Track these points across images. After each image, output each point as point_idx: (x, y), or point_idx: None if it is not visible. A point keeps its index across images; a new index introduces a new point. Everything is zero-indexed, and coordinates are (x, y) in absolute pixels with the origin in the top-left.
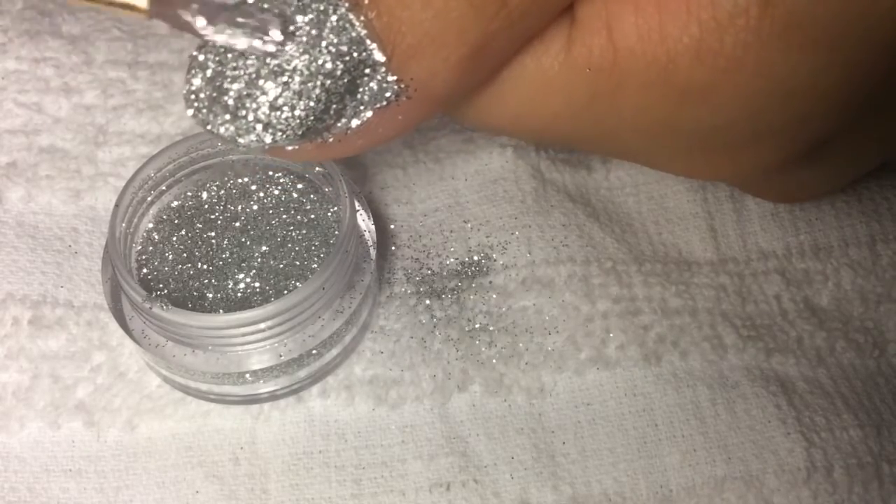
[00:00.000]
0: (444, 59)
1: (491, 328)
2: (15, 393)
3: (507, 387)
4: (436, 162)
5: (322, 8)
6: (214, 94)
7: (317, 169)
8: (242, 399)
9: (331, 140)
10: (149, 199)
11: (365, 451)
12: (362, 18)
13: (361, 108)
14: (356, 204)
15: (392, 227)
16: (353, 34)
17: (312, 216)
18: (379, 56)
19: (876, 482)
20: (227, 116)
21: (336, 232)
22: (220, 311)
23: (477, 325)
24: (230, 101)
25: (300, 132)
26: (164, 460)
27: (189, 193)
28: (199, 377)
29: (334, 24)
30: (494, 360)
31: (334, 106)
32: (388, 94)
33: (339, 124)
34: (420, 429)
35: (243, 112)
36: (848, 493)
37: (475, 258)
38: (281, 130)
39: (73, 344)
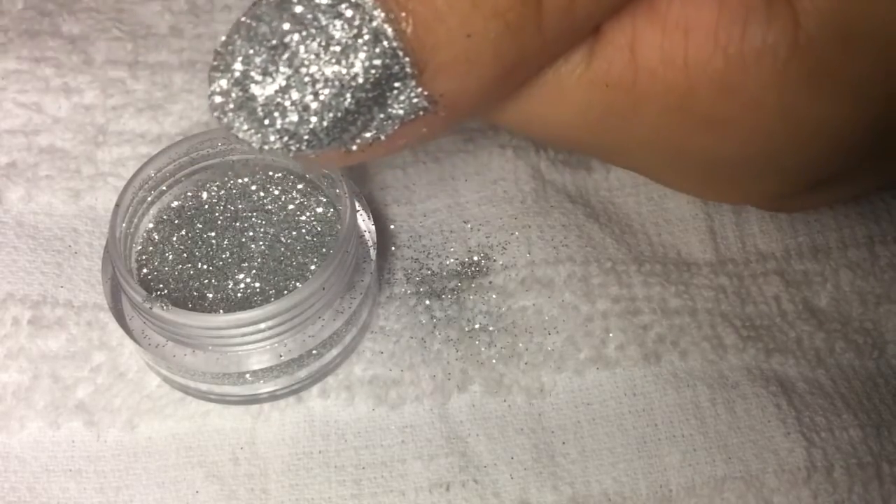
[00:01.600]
0: (477, 77)
1: (491, 328)
2: (15, 393)
3: (506, 387)
4: (435, 162)
5: (357, 18)
6: (241, 98)
7: (319, 171)
8: (242, 399)
9: (354, 149)
10: (149, 199)
11: (365, 451)
12: (397, 30)
13: (389, 121)
14: (356, 204)
15: (392, 227)
16: (387, 46)
17: (313, 217)
18: (411, 70)
19: (876, 482)
20: (254, 123)
21: (336, 232)
22: (221, 311)
23: (477, 326)
24: (258, 108)
25: (326, 142)
26: (164, 460)
27: (189, 193)
28: (199, 377)
29: (368, 35)
30: (494, 361)
31: (362, 117)
32: (417, 108)
33: (365, 135)
34: (420, 429)
35: (270, 120)
36: (848, 493)
37: (475, 258)
38: (307, 140)
39: (73, 344)
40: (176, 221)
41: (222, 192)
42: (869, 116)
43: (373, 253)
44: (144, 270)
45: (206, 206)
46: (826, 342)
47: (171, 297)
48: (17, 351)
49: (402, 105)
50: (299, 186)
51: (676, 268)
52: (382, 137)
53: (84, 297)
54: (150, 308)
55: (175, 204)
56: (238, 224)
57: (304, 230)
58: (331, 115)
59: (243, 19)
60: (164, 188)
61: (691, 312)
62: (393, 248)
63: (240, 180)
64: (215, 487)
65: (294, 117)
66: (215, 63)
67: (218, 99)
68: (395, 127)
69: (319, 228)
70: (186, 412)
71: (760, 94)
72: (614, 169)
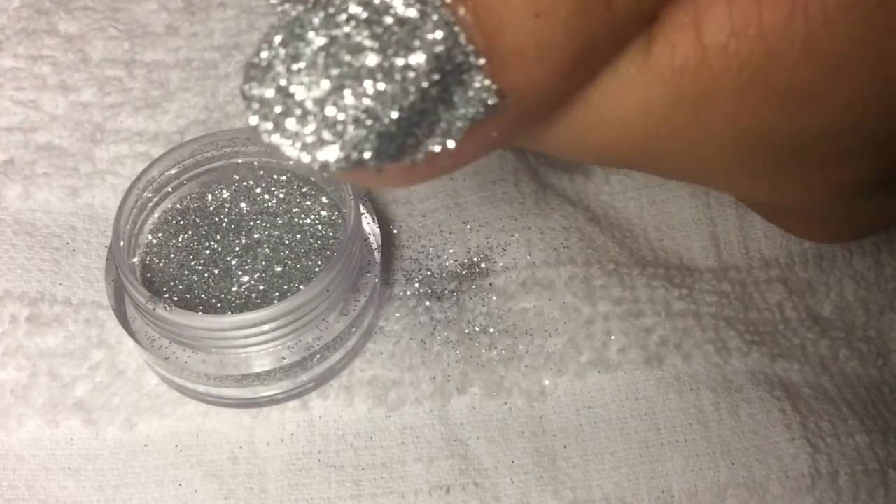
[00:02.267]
0: (549, 65)
1: (491, 330)
2: (13, 391)
3: (507, 389)
4: None
5: (416, 5)
6: (284, 106)
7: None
8: (243, 402)
9: (421, 158)
10: (153, 201)
11: (364, 452)
12: (458, 15)
13: (457, 122)
14: (361, 207)
15: (391, 227)
16: (447, 31)
17: (317, 219)
18: (475, 58)
19: (882, 489)
20: (298, 131)
21: (341, 235)
22: (224, 312)
23: (477, 328)
24: (303, 114)
25: (390, 150)
26: (162, 459)
27: (193, 195)
28: (201, 379)
29: (426, 21)
30: (494, 363)
31: (427, 119)
32: (486, 104)
33: (432, 142)
34: (420, 431)
35: (317, 126)
36: (853, 500)
37: (475, 259)
38: (367, 148)
39: (71, 341)
40: (180, 223)
41: (227, 194)
42: None
43: (377, 256)
44: (148, 273)
45: (211, 209)
46: (830, 350)
47: (175, 299)
48: (15, 348)
49: (470, 101)
50: (304, 189)
51: (679, 272)
52: (451, 145)
53: (82, 295)
54: (154, 309)
55: (179, 206)
56: (242, 226)
57: (308, 233)
58: (393, 114)
59: (282, 22)
60: (169, 190)
61: (695, 315)
62: (392, 249)
63: (244, 183)
64: (214, 486)
65: (349, 121)
66: (251, 69)
67: (257, 105)
68: (464, 129)
69: (324, 231)
70: (185, 411)
71: (850, 53)
72: (614, 173)
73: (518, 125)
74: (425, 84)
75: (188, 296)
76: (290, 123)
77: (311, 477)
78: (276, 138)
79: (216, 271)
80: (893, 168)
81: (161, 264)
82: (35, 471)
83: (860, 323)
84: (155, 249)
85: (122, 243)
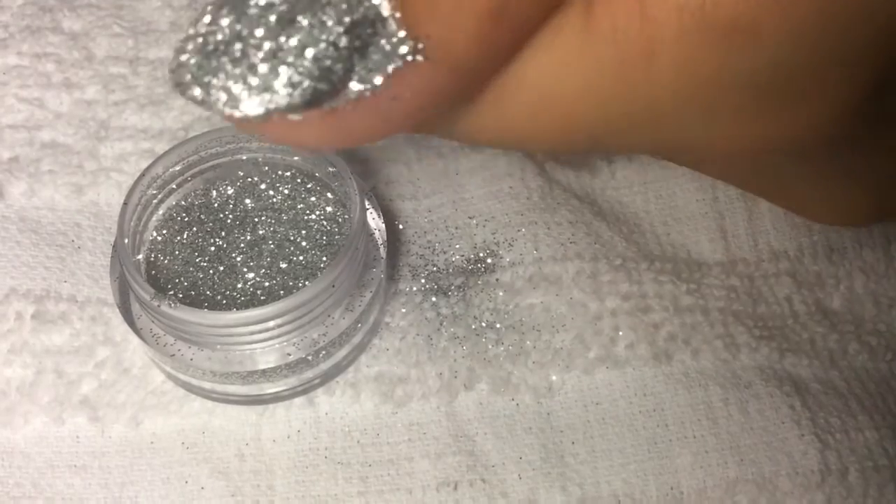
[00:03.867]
0: (466, 16)
1: (498, 326)
2: (19, 388)
3: (514, 385)
4: (439, 157)
5: None
6: (204, 61)
7: (329, 169)
8: (249, 399)
9: (340, 107)
10: (158, 197)
11: (371, 448)
12: None
13: (373, 72)
14: (366, 203)
15: (397, 222)
16: None
17: (322, 215)
18: (385, 10)
19: (892, 485)
20: (218, 82)
21: (346, 231)
22: (229, 309)
23: (483, 323)
24: (223, 65)
25: (305, 95)
26: (169, 456)
27: (198, 192)
28: (207, 376)
29: None
30: (501, 359)
31: (340, 65)
32: (401, 55)
33: (349, 89)
34: (427, 427)
35: (237, 78)
36: (863, 496)
37: (481, 255)
38: (284, 94)
39: (76, 339)
40: (185, 220)
41: (231, 190)
42: None
43: (382, 251)
44: (153, 270)
45: (216, 205)
46: (839, 343)
47: (180, 296)
48: (20, 346)
49: (384, 51)
50: (309, 185)
51: (687, 266)
52: (367, 94)
53: (88, 292)
54: (159, 306)
55: (184, 202)
56: (247, 223)
57: (313, 229)
58: (306, 62)
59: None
60: (174, 186)
61: (703, 311)
62: (398, 244)
63: (249, 179)
64: (221, 483)
65: (265, 69)
66: (188, 47)
67: (180, 68)
68: (380, 78)
69: (329, 227)
70: (192, 408)
71: None
72: (619, 168)
73: (444, 79)
74: (338, 31)
75: (193, 293)
76: (206, 77)
77: (317, 473)
78: (190, 89)
79: (221, 268)
80: (871, 90)
81: (166, 261)
82: (41, 468)
83: (870, 316)
84: (159, 246)
85: (126, 240)
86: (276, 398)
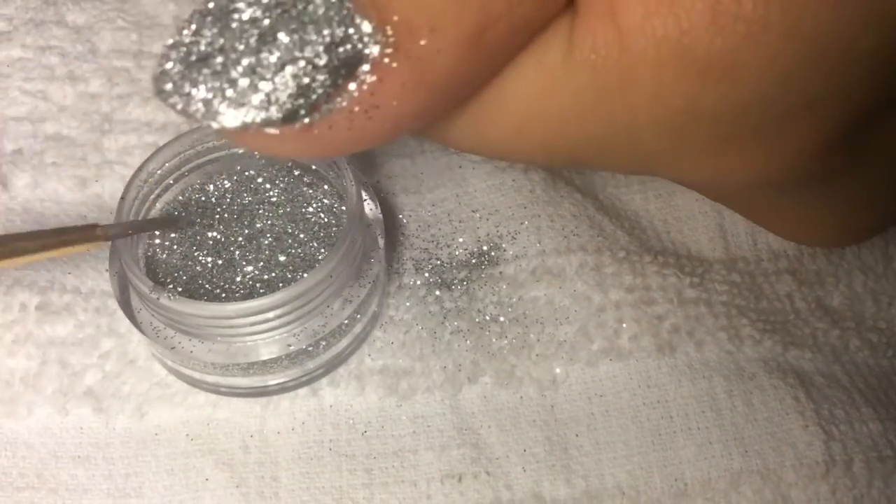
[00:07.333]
0: (443, 38)
1: (501, 319)
2: (23, 379)
3: (518, 378)
4: (442, 151)
5: None
6: (186, 71)
7: (325, 161)
8: (252, 391)
9: (316, 122)
10: (155, 192)
11: (376, 440)
12: None
13: (350, 80)
14: (363, 193)
15: (400, 216)
16: (341, 9)
17: (320, 208)
18: (367, 28)
19: None
20: (197, 93)
21: (343, 222)
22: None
23: (487, 316)
24: (205, 77)
25: (282, 113)
26: (173, 448)
27: (195, 186)
28: (207, 369)
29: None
30: (505, 351)
31: (318, 83)
32: (378, 61)
33: (325, 107)
34: (431, 420)
35: (216, 91)
36: (867, 487)
37: (484, 248)
38: (261, 109)
39: (81, 330)
40: (183, 214)
41: (228, 184)
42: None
43: (381, 242)
44: (152, 264)
45: (213, 199)
46: (841, 339)
47: (179, 289)
48: (24, 337)
49: (356, 50)
50: (306, 178)
51: (689, 261)
52: (344, 103)
53: (92, 284)
54: (158, 298)
55: (181, 197)
56: (245, 216)
57: (311, 221)
58: (286, 76)
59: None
60: (171, 181)
61: (707, 303)
62: (401, 238)
63: (246, 173)
64: (225, 475)
65: (244, 81)
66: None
67: (164, 78)
68: (357, 89)
69: (326, 219)
70: (196, 400)
71: (760, 15)
72: None
73: (422, 97)
74: (318, 50)
75: (192, 286)
76: (187, 89)
77: (322, 465)
78: (170, 98)
79: (220, 262)
80: (849, 128)
81: (164, 255)
82: (45, 459)
83: (870, 314)
84: (158, 241)
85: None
86: (281, 389)
